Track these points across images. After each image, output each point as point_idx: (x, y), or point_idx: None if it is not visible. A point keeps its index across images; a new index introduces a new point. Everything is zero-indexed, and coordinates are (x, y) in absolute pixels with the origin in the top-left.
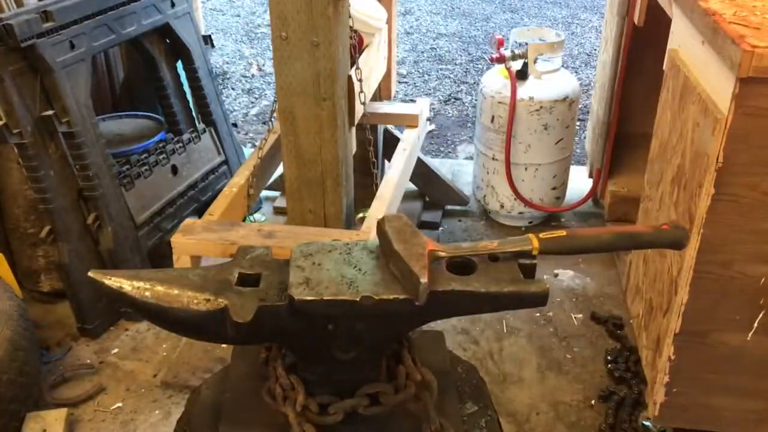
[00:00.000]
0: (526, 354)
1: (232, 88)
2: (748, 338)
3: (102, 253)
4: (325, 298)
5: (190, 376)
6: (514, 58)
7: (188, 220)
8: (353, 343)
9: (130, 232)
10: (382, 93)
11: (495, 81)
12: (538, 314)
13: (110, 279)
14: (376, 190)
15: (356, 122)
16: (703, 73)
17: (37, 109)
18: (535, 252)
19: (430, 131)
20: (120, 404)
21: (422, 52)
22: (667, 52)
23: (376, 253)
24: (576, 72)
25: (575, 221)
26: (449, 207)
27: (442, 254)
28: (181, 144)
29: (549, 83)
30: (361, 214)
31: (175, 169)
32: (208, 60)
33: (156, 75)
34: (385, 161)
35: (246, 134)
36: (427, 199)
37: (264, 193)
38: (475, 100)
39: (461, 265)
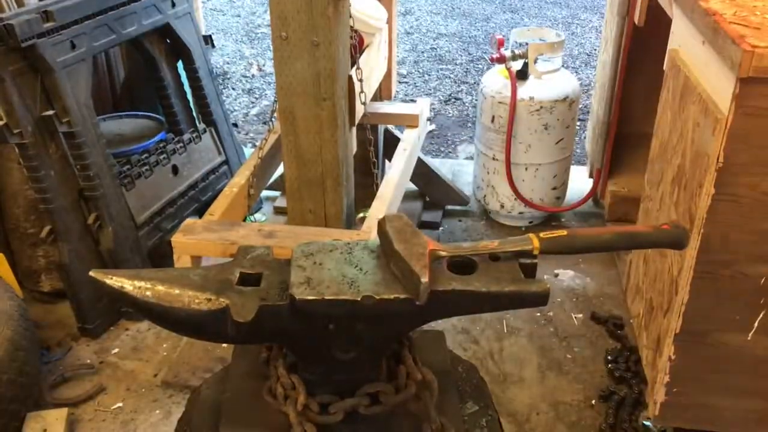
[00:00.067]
0: (527, 354)
1: (233, 88)
2: (748, 338)
3: (102, 253)
4: (326, 297)
5: (191, 375)
6: (514, 58)
7: (189, 220)
8: (354, 342)
9: (130, 232)
10: (382, 93)
11: (495, 81)
12: (538, 314)
13: (111, 279)
14: (377, 190)
15: (356, 122)
16: (704, 73)
17: (37, 109)
18: (536, 252)
19: (430, 131)
20: (120, 404)
21: (422, 52)
22: (668, 52)
23: (376, 253)
24: (576, 72)
25: (575, 221)
26: (449, 207)
27: (443, 254)
28: (181, 144)
29: (549, 83)
30: (361, 214)
31: (175, 169)
32: (209, 60)
33: (156, 75)
34: (386, 161)
35: (246, 134)
36: (428, 199)
37: (264, 193)
38: (476, 100)
39: (462, 265)
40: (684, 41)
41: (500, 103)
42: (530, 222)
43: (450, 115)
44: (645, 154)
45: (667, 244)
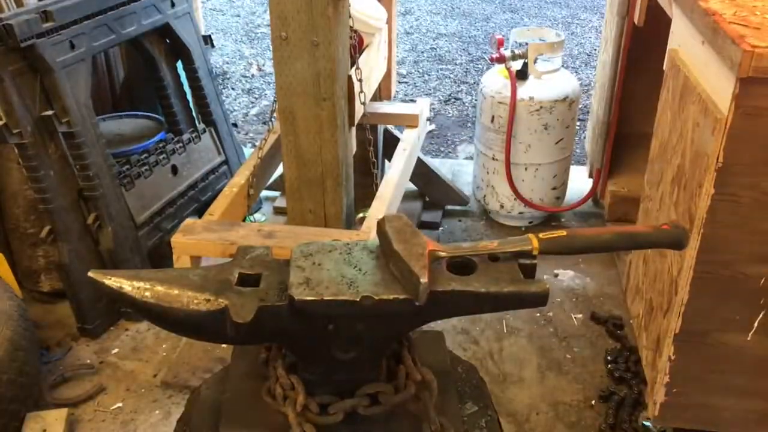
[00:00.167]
0: (526, 354)
1: (232, 88)
2: (748, 338)
3: (102, 253)
4: (326, 298)
5: (190, 376)
6: (514, 58)
7: (188, 220)
8: (353, 343)
9: (130, 232)
10: (382, 93)
11: (495, 81)
12: (538, 314)
13: (110, 279)
14: (376, 190)
15: (356, 122)
16: (703, 73)
17: (37, 109)
18: (535, 252)
19: (430, 131)
20: (120, 404)
21: (422, 52)
22: (667, 52)
23: (376, 253)
24: (576, 72)
25: (575, 221)
26: (449, 207)
27: (442, 254)
28: (181, 144)
29: (549, 83)
30: (361, 214)
31: (175, 169)
32: (208, 60)
33: (156, 75)
34: (385, 161)
35: (246, 134)
36: (427, 199)
37: (264, 193)
38: (475, 100)
39: (461, 265)
40: (684, 41)
41: (500, 103)
42: (530, 222)
43: (450, 115)
44: (645, 154)
45: (667, 244)
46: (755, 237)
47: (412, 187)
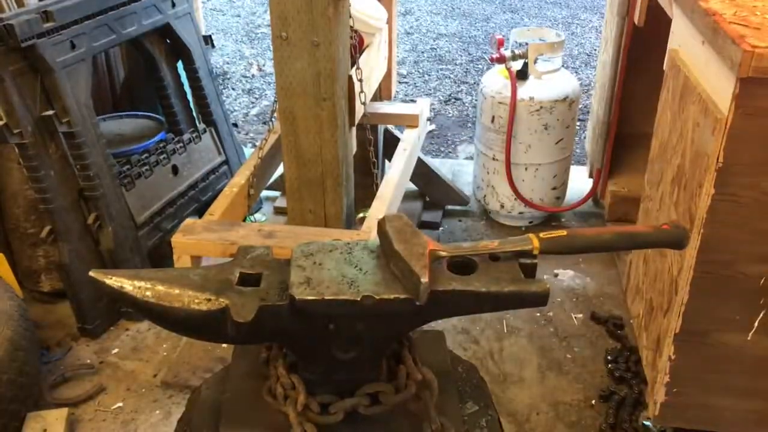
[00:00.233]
0: (527, 354)
1: (233, 88)
2: (748, 338)
3: (102, 253)
4: (326, 297)
5: (191, 375)
6: (514, 58)
7: (188, 220)
8: (354, 342)
9: (130, 232)
10: (382, 93)
11: (495, 81)
12: (538, 314)
13: (111, 279)
14: (377, 190)
15: (356, 122)
16: (703, 73)
17: (37, 109)
18: (536, 252)
19: (430, 131)
20: (120, 404)
21: (422, 52)
22: (668, 52)
23: (376, 253)
24: (576, 72)
25: (575, 221)
26: (449, 207)
27: (443, 254)
28: (181, 144)
29: (549, 83)
30: (361, 214)
31: (175, 169)
32: (209, 60)
33: (156, 75)
34: (386, 161)
35: (246, 134)
36: (428, 199)
37: (264, 193)
38: (476, 100)
39: (462, 265)
40: (684, 41)
41: (500, 103)
42: (530, 222)
43: (450, 115)
44: (645, 154)
45: (667, 244)
46: (755, 237)
47: (412, 187)
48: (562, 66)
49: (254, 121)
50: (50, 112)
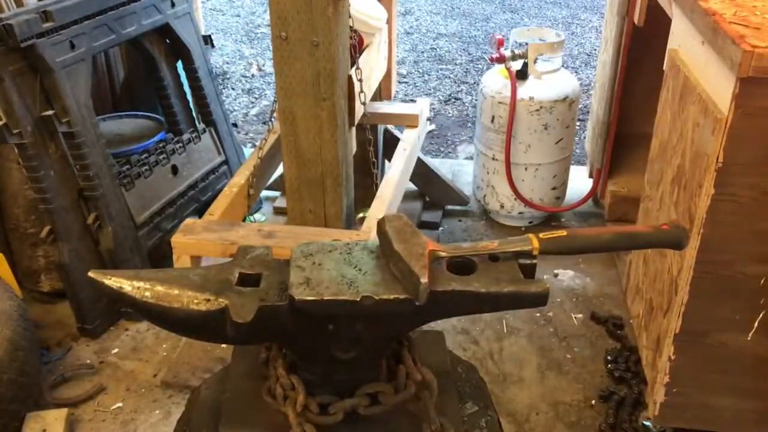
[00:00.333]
0: (526, 354)
1: (232, 88)
2: (748, 338)
3: (102, 253)
4: (326, 298)
5: (190, 376)
6: (514, 58)
7: (188, 220)
8: (353, 343)
9: (130, 232)
10: (382, 93)
11: (495, 81)
12: (538, 314)
13: (110, 279)
14: (376, 190)
15: (356, 122)
16: (703, 73)
17: (37, 109)
18: (536, 252)
19: (430, 131)
20: (120, 404)
21: (422, 52)
22: (667, 52)
23: (376, 253)
24: (576, 72)
25: (575, 221)
26: (449, 207)
27: (443, 254)
28: (181, 144)
29: (549, 83)
30: (361, 214)
31: (175, 169)
32: (208, 60)
33: (156, 75)
34: (385, 161)
35: (246, 134)
36: (427, 199)
37: (264, 193)
38: (475, 100)
39: (461, 265)
40: (684, 41)
41: (500, 103)
42: (530, 222)
43: (450, 115)
44: (645, 154)
45: (667, 244)
46: (755, 237)
47: (412, 187)
48: (562, 66)
49: (254, 121)
50: (50, 112)
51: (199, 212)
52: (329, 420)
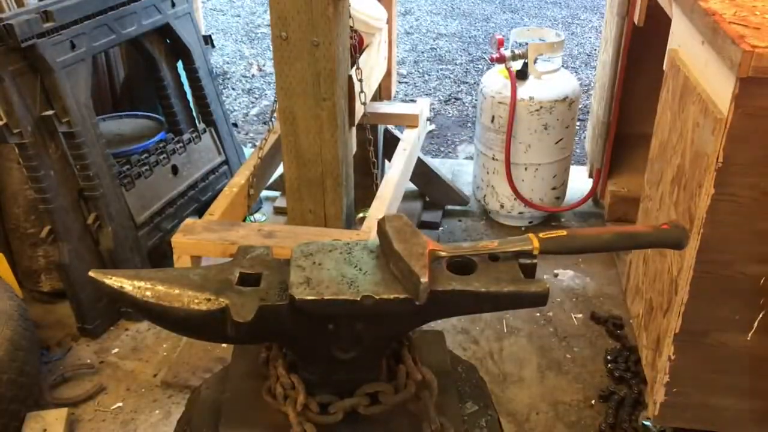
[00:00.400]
0: (526, 354)
1: (233, 88)
2: (748, 338)
3: (102, 253)
4: (326, 297)
5: (190, 375)
6: (514, 58)
7: (188, 220)
8: (353, 342)
9: (130, 232)
10: (382, 93)
11: (495, 81)
12: (538, 314)
13: (111, 279)
14: (376, 190)
15: (356, 122)
16: (703, 73)
17: (37, 109)
18: (536, 252)
19: (430, 131)
20: (120, 404)
21: (422, 52)
22: (667, 52)
23: (376, 253)
24: (576, 72)
25: (575, 221)
26: (449, 207)
27: (443, 254)
28: (181, 144)
29: (549, 83)
30: (361, 214)
31: (175, 169)
32: (209, 60)
33: (156, 75)
34: (386, 161)
35: (246, 134)
36: (427, 199)
37: (264, 193)
38: (475, 100)
39: (461, 265)
40: (684, 41)
41: (500, 103)
42: (530, 222)
43: (450, 115)
44: (645, 154)
45: (667, 244)
46: (755, 237)
47: (412, 187)
48: (562, 66)
49: (254, 121)
50: (50, 112)
51: (199, 212)
52: (329, 419)
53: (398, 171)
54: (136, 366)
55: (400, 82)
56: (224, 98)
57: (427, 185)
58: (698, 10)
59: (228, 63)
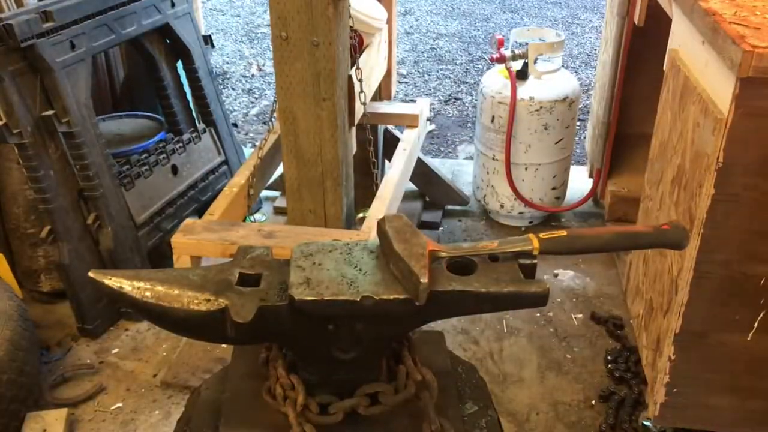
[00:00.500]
0: (526, 354)
1: (232, 88)
2: (749, 338)
3: (102, 253)
4: (326, 298)
5: (190, 376)
6: (514, 58)
7: (188, 220)
8: (353, 343)
9: (130, 232)
10: (382, 93)
11: (495, 81)
12: (538, 314)
13: (110, 279)
14: (376, 190)
15: (356, 122)
16: (703, 73)
17: (37, 109)
18: (536, 252)
19: (430, 131)
20: (120, 404)
21: (422, 52)
22: (667, 52)
23: (376, 253)
24: (576, 72)
25: (575, 221)
26: (449, 207)
27: (443, 254)
28: (181, 144)
29: (549, 83)
30: (361, 214)
31: (175, 169)
32: (208, 60)
33: (156, 75)
34: (385, 161)
35: (246, 134)
36: (427, 199)
37: (264, 193)
38: (475, 100)
39: (461, 265)
40: (684, 41)
41: (500, 103)
42: (530, 222)
43: (450, 115)
44: (645, 154)
45: (667, 244)
46: (755, 237)
47: (412, 187)
48: (562, 66)
49: (254, 121)
50: (50, 112)
51: (199, 212)
52: (329, 420)
53: (398, 171)
54: (136, 366)
55: (400, 82)
56: (224, 98)
57: (427, 185)
58: (698, 10)
59: (228, 63)
